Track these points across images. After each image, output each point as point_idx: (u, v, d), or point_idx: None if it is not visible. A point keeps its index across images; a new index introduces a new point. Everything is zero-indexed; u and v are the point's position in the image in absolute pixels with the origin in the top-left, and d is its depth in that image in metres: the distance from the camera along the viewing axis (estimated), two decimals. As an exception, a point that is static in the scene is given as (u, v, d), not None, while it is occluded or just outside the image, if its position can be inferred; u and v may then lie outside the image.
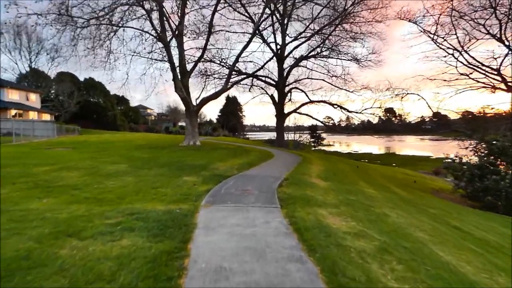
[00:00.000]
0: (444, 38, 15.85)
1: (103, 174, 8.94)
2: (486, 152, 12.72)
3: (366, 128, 33.35)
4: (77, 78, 61.75)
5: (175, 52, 19.31)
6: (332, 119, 50.04)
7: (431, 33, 16.18)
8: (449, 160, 15.22)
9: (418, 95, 17.63)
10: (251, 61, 35.11)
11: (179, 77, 18.50)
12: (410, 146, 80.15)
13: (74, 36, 16.94)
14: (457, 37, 15.49)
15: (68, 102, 54.77)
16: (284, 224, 4.61)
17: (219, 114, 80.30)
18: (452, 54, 15.83)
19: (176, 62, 18.41)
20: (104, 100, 65.20)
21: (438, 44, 16.08)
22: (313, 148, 51.38)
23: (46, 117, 47.73)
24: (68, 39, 17.14)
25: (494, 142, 12.19)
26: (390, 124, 35.76)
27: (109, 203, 5.66)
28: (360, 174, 14.40)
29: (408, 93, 18.02)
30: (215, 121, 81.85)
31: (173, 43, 19.39)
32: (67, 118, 55.10)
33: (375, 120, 36.04)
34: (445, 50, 15.96)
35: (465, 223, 7.14)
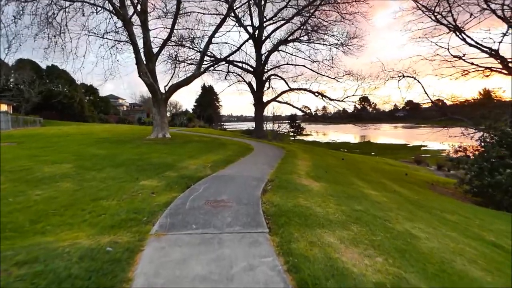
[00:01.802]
0: (442, 14, 14.39)
1: (34, 179, 6.84)
2: (493, 141, 11.53)
3: (349, 117, 32.11)
4: (38, 65, 56.98)
5: (138, 33, 17.03)
6: (309, 108, 48.74)
7: (427, 8, 14.67)
8: (452, 151, 13.95)
9: (414, 78, 16.27)
10: (226, 43, 32.78)
11: (144, 60, 16.23)
12: (385, 134, 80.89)
13: (18, 11, 14.29)
14: (452, 15, 14.14)
15: (28, 92, 50.30)
16: (278, 272, 2.86)
17: (195, 104, 77.33)
18: (454, 31, 14.36)
19: (140, 43, 16.11)
20: (70, 89, 60.64)
21: (437, 20, 14.57)
22: (292, 138, 50.06)
23: (3, 108, 43.45)
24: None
25: (506, 130, 10.95)
26: (377, 113, 34.65)
27: (8, 234, 3.71)
28: (351, 169, 12.93)
29: (405, 76, 16.60)
30: (191, 111, 78.73)
31: (136, 22, 17.08)
32: (28, 109, 50.84)
33: (351, 109, 34.97)
34: (447, 26, 14.46)
35: (498, 235, 5.72)
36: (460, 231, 5.32)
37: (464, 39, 14.40)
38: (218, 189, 6.15)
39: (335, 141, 68.91)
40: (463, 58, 14.85)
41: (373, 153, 43.45)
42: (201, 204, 5.01)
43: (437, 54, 15.38)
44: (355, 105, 29.98)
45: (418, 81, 15.97)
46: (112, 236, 3.66)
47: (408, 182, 12.84)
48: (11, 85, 53.04)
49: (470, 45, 14.34)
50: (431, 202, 8.33)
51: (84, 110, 63.49)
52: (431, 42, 15.68)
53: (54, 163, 8.64)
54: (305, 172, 8.86)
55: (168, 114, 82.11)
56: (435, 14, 14.46)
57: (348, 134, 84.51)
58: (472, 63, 14.77)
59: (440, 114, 16.61)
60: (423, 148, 50.80)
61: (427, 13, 14.75)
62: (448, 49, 15.18)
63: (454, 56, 15.06)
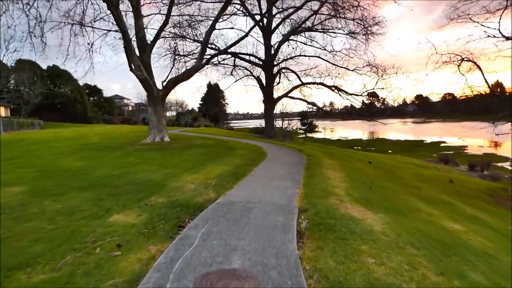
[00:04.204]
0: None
1: None
2: None
3: (360, 112, 29.46)
4: (38, 66, 55.00)
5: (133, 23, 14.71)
6: (316, 104, 46.19)
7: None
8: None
9: (474, 62, 13.36)
10: (232, 28, 29.98)
11: (137, 52, 13.90)
12: (395, 129, 77.12)
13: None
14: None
15: (28, 93, 48.43)
16: None
17: (201, 102, 75.09)
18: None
19: (131, 33, 13.78)
20: (72, 90, 58.81)
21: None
22: (303, 136, 47.36)
23: (1, 110, 41.62)
24: None
25: None
26: (386, 108, 31.69)
27: None
28: (392, 178, 10.46)
29: (464, 60, 13.75)
30: (197, 110, 76.39)
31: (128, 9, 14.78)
32: (29, 111, 49.13)
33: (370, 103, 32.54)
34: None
35: None
36: None
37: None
38: (224, 237, 3.75)
39: (347, 138, 66.16)
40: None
41: (390, 151, 40.73)
42: (194, 289, 2.61)
43: (488, 36, 12.69)
44: (363, 100, 27.50)
45: (478, 66, 13.29)
46: None
47: (468, 195, 10.29)
48: (11, 87, 51.28)
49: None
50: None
51: (87, 111, 61.86)
52: (477, 23, 13.03)
53: (2, 185, 6.35)
54: (344, 191, 6.41)
55: (174, 113, 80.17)
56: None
57: (356, 130, 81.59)
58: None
59: (502, 106, 13.92)
60: (442, 144, 47.84)
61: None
62: (499, 29, 12.54)
63: (507, 38, 12.40)
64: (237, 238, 3.70)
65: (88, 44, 13.48)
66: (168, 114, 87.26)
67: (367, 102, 30.22)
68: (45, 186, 6.41)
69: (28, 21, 12.37)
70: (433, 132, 70.73)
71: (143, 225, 4.39)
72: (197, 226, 4.11)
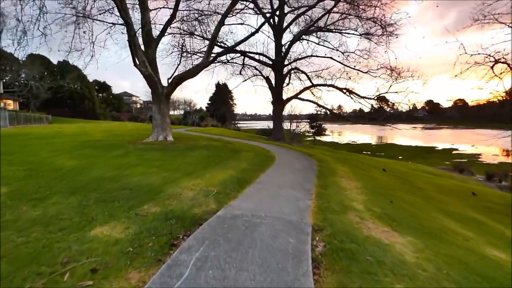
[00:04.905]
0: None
1: None
2: None
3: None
4: (49, 60, 54.96)
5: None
6: (326, 107, 45.28)
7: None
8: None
9: (508, 65, 12.25)
10: (242, 24, 29.17)
11: (142, 47, 13.30)
12: (404, 135, 75.23)
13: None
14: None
15: (37, 87, 48.42)
16: None
17: (209, 102, 74.62)
18: None
19: (137, 26, 13.18)
20: (81, 85, 58.77)
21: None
22: (311, 139, 46.50)
23: (9, 103, 41.58)
24: None
25: None
26: (396, 113, 30.44)
27: None
28: (411, 189, 9.64)
29: (498, 61, 12.64)
30: (205, 109, 75.91)
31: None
32: (38, 105, 49.25)
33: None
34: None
35: None
36: None
37: None
38: (223, 265, 3.03)
39: (355, 143, 64.93)
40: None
41: (400, 157, 39.63)
42: None
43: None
44: (372, 104, 26.52)
45: (511, 68, 12.31)
46: None
47: (498, 211, 9.39)
48: (22, 81, 51.35)
49: None
50: None
51: (95, 107, 61.84)
52: (504, 24, 12.09)
53: (-20, 186, 5.74)
54: (363, 205, 5.64)
55: (182, 112, 79.77)
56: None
57: (365, 134, 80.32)
58: None
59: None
60: (454, 152, 46.44)
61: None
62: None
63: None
64: (238, 268, 2.98)
65: (84, 32, 12.83)
66: (176, 112, 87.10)
67: (376, 106, 29.26)
68: (29, 187, 5.77)
69: (21, 10, 11.83)
70: (444, 138, 69.08)
71: (128, 241, 3.71)
72: (191, 248, 3.39)
